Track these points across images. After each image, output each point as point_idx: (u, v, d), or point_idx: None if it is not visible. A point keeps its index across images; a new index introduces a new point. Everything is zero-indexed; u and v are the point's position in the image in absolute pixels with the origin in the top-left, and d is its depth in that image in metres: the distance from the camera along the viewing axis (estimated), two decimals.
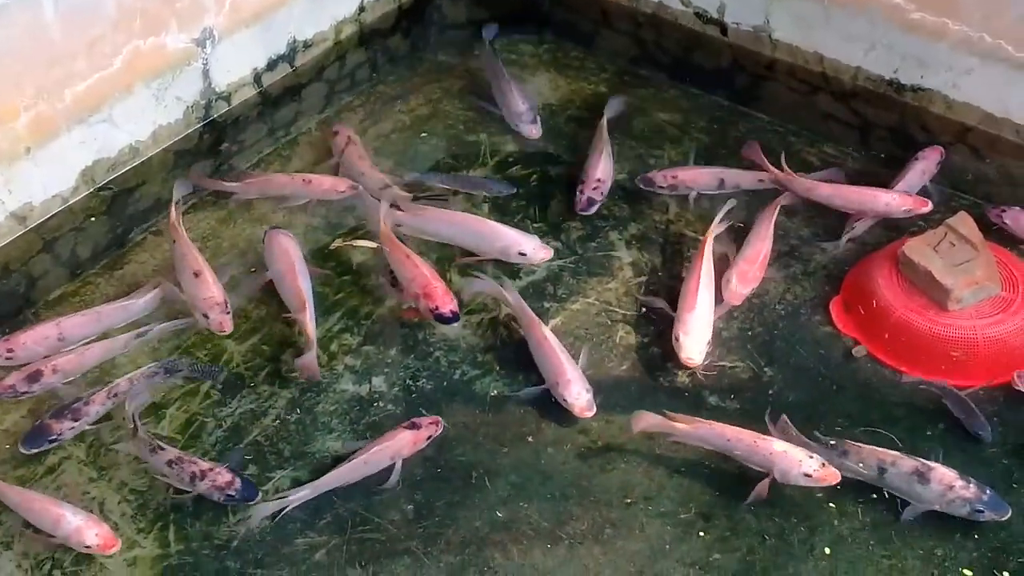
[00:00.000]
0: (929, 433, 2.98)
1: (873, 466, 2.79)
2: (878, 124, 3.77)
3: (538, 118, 3.87)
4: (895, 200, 3.43)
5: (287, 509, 2.82)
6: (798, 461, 2.76)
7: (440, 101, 4.09)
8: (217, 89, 3.83)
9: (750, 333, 3.23)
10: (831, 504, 2.82)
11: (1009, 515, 2.72)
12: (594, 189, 3.56)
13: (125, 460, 2.95)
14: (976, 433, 2.93)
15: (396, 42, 4.36)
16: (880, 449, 2.81)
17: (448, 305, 3.17)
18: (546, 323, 3.23)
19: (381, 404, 3.09)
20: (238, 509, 2.85)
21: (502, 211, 3.63)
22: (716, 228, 3.36)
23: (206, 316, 3.18)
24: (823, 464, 2.76)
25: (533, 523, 2.81)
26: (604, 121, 3.78)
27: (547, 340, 3.10)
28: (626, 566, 2.72)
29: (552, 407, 3.03)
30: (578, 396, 2.98)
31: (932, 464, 2.75)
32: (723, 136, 3.83)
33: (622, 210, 3.63)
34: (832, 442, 2.84)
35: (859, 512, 2.81)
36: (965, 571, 2.69)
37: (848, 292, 3.31)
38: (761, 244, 3.37)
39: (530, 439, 3.00)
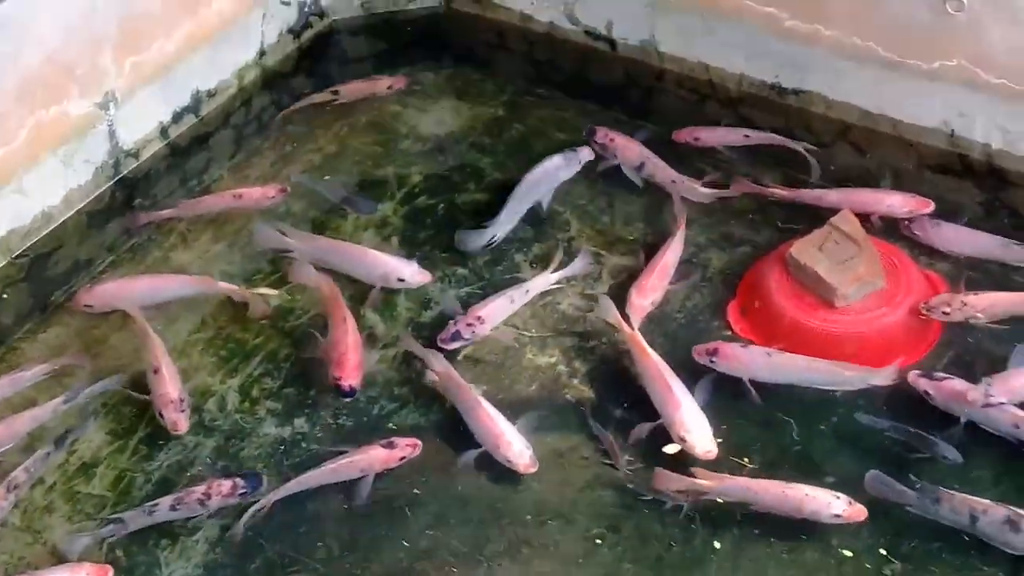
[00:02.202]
0: (822, 428, 3.12)
1: (965, 514, 2.80)
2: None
3: None
4: (897, 201, 3.56)
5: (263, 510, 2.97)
6: (827, 503, 2.82)
7: (347, 138, 4.19)
8: (124, 147, 3.92)
9: (652, 344, 3.34)
10: (735, 506, 2.93)
11: None
12: (468, 325, 3.40)
13: (59, 521, 3.04)
14: (944, 457, 2.97)
15: (300, 82, 4.44)
16: (972, 497, 2.82)
17: (350, 380, 3.23)
18: (457, 353, 3.36)
19: (304, 445, 3.19)
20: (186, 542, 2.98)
21: (411, 243, 3.73)
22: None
23: (161, 415, 3.21)
24: (850, 503, 2.82)
25: (453, 549, 2.93)
26: None
27: (479, 404, 3.15)
28: None
29: (468, 435, 3.14)
30: (520, 455, 3.06)
31: (1022, 512, 2.76)
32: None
33: (525, 231, 3.74)
34: (927, 489, 2.85)
35: (759, 515, 2.92)
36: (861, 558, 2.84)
37: (743, 296, 3.45)
38: (662, 255, 3.49)
39: (448, 467, 3.11)
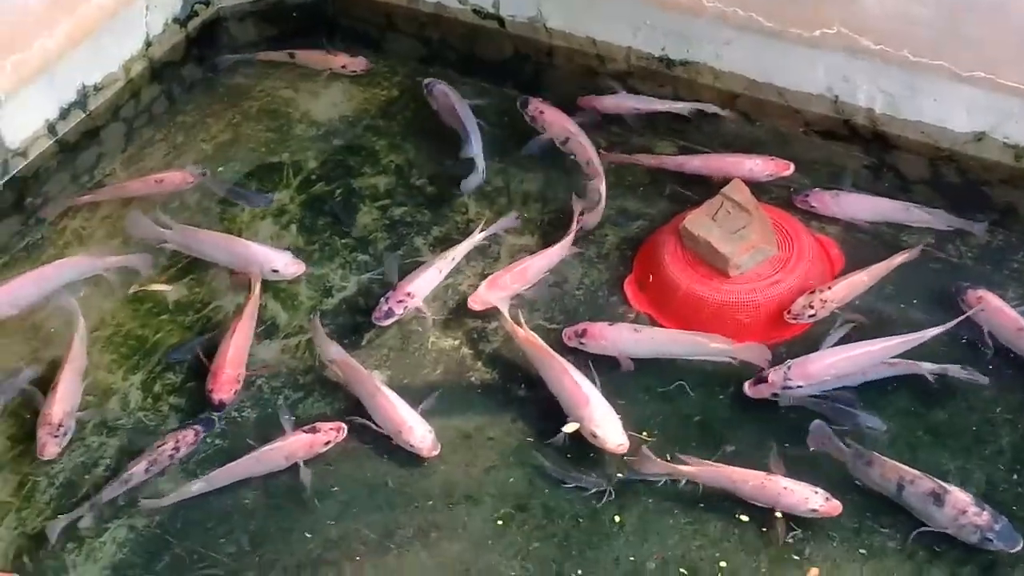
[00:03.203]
0: (721, 398, 3.18)
1: (893, 481, 2.84)
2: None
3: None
4: (758, 164, 3.62)
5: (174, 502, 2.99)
6: (805, 498, 2.85)
7: (240, 125, 4.16)
8: (11, 147, 3.85)
9: (552, 324, 3.38)
10: (639, 483, 3.00)
11: (1020, 547, 2.74)
12: (399, 302, 3.41)
13: None
14: (868, 427, 3.01)
15: (190, 71, 4.40)
16: (902, 466, 2.86)
17: (220, 395, 3.21)
18: (362, 339, 3.38)
19: (209, 439, 3.18)
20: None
21: (310, 231, 3.73)
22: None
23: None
24: (827, 498, 2.83)
25: (362, 537, 2.95)
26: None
27: (379, 390, 3.15)
28: (453, 566, 2.88)
29: (370, 421, 3.15)
30: (423, 439, 3.08)
31: (949, 487, 2.78)
32: (513, 129, 3.95)
33: (424, 215, 3.75)
34: (860, 450, 2.90)
35: (664, 489, 2.98)
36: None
37: (639, 270, 3.49)
38: (531, 258, 3.48)
39: (355, 454, 3.12)
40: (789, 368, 3.05)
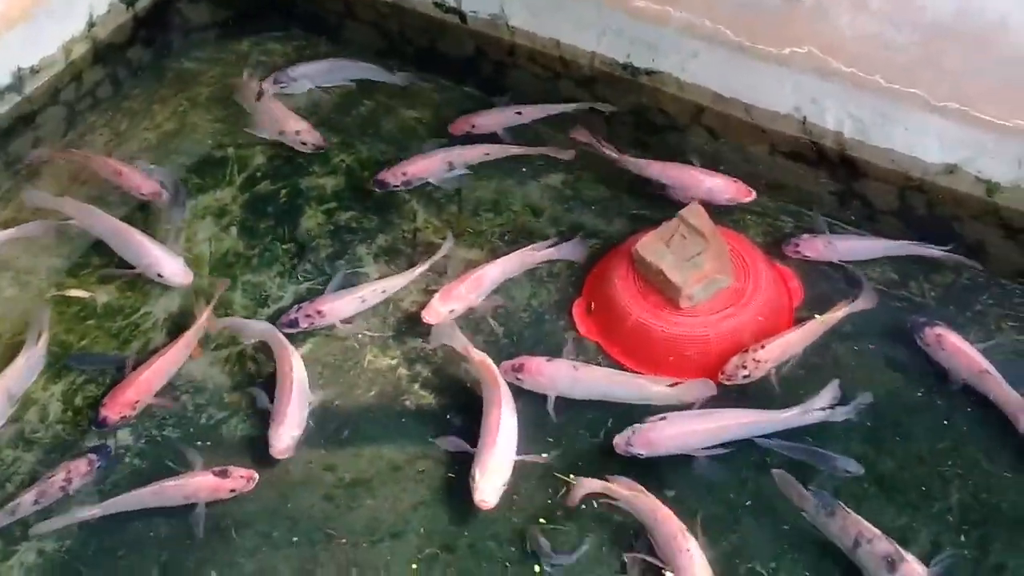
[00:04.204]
0: None
1: (851, 536, 2.71)
2: (619, 107, 3.78)
3: None
4: (718, 185, 3.47)
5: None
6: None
7: (187, 114, 3.99)
8: None
9: (497, 344, 3.24)
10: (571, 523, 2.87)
11: None
12: (307, 316, 3.29)
13: None
14: (845, 471, 2.88)
15: (136, 53, 4.21)
16: (865, 522, 2.72)
17: (106, 412, 3.06)
18: (297, 346, 3.23)
19: (127, 459, 3.04)
20: None
21: (251, 234, 3.57)
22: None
23: None
24: None
25: (279, 574, 2.81)
26: None
27: (287, 376, 3.07)
28: None
29: (300, 447, 3.02)
30: (278, 438, 2.97)
31: (907, 556, 2.65)
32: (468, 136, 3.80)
33: (370, 221, 3.60)
34: (826, 499, 2.77)
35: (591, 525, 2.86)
36: None
37: (589, 294, 3.34)
38: (485, 266, 3.35)
39: (276, 482, 2.98)
40: (633, 434, 2.92)
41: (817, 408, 2.95)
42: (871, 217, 3.47)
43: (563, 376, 3.07)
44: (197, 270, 3.46)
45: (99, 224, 3.49)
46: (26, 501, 2.88)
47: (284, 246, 3.54)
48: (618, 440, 2.92)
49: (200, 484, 2.90)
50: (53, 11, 3.89)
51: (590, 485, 2.87)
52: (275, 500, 2.95)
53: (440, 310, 3.24)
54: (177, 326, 3.32)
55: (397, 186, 3.60)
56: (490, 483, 2.84)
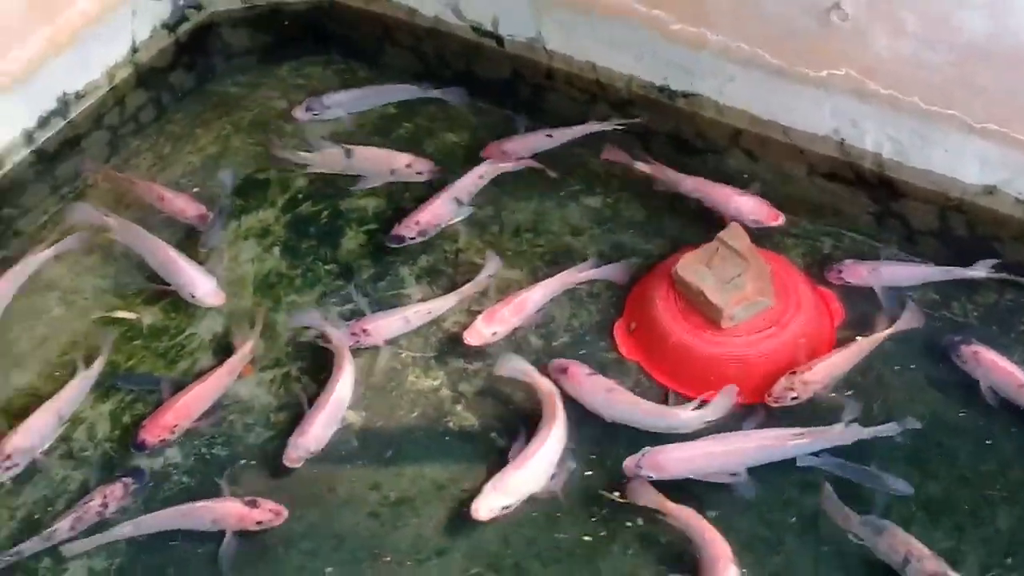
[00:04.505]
0: None
1: (900, 554, 2.72)
2: (656, 130, 3.80)
3: None
4: (747, 205, 3.47)
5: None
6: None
7: (229, 138, 4.03)
8: None
9: (536, 365, 3.23)
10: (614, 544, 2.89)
11: None
12: (352, 334, 3.31)
13: None
14: (894, 490, 2.88)
15: (179, 77, 4.26)
16: (914, 541, 2.73)
17: (145, 435, 3.08)
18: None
19: (176, 477, 3.07)
20: None
21: (293, 254, 3.61)
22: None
23: None
24: None
25: None
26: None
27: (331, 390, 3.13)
28: None
29: (344, 466, 3.06)
30: (294, 447, 3.04)
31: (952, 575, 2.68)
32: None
33: (412, 243, 3.61)
34: (869, 518, 2.79)
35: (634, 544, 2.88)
36: None
37: (630, 313, 3.36)
38: (529, 290, 3.37)
39: (321, 501, 3.01)
40: (643, 456, 2.92)
41: (846, 428, 2.96)
42: (910, 238, 3.48)
43: (596, 394, 3.10)
44: (240, 290, 3.51)
45: (139, 241, 3.53)
46: (63, 527, 2.90)
47: (326, 267, 3.57)
48: (628, 463, 2.92)
49: (228, 511, 2.91)
50: (100, 35, 3.95)
51: (647, 495, 2.87)
52: (320, 518, 2.98)
53: (483, 332, 3.26)
54: (222, 347, 3.36)
55: (413, 238, 3.58)
56: (493, 501, 2.87)
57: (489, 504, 2.87)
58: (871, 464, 2.93)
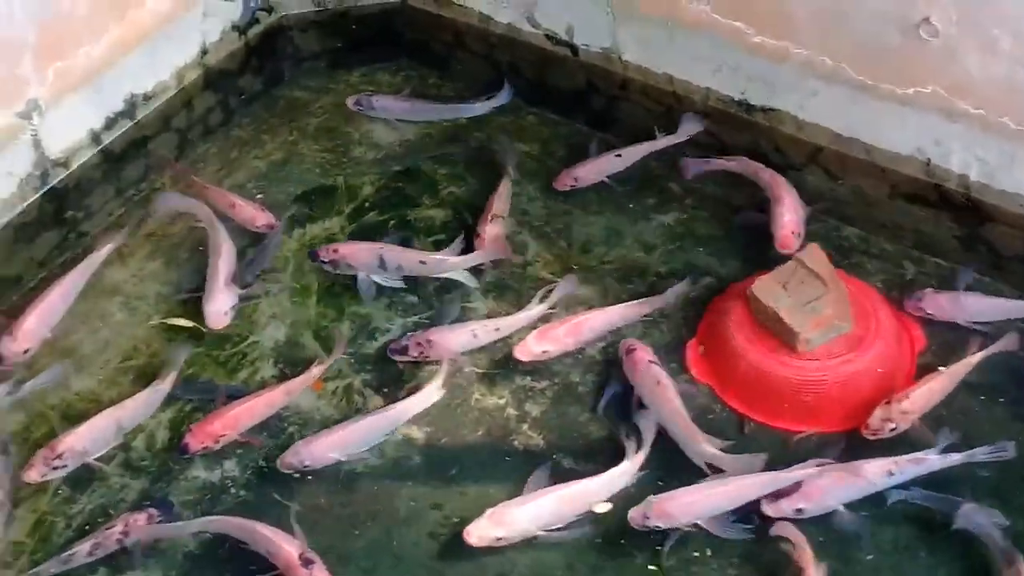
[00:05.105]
0: None
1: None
2: (733, 145, 3.70)
3: None
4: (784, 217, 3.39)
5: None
6: None
7: (296, 144, 4.00)
8: (52, 156, 3.67)
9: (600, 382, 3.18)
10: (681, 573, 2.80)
11: None
12: (417, 344, 3.25)
13: None
14: (993, 523, 2.76)
15: (248, 81, 4.23)
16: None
17: (189, 440, 3.04)
18: (400, 388, 3.20)
19: (234, 490, 3.03)
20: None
21: None
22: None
23: None
24: None
25: None
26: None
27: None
28: None
29: (406, 483, 3.00)
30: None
31: None
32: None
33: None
34: (1009, 550, 2.69)
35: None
36: None
37: (704, 334, 3.26)
38: (588, 313, 3.29)
39: (381, 518, 2.94)
40: (649, 505, 2.79)
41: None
42: (996, 264, 3.35)
43: (645, 385, 3.04)
44: (304, 300, 3.47)
45: (211, 237, 3.49)
46: (81, 551, 2.84)
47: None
48: (633, 514, 2.80)
49: (283, 556, 2.78)
50: (170, 36, 3.91)
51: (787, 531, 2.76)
52: (380, 536, 2.91)
53: (533, 349, 3.19)
54: (283, 356, 3.32)
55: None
56: (486, 529, 2.80)
57: (481, 531, 2.79)
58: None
